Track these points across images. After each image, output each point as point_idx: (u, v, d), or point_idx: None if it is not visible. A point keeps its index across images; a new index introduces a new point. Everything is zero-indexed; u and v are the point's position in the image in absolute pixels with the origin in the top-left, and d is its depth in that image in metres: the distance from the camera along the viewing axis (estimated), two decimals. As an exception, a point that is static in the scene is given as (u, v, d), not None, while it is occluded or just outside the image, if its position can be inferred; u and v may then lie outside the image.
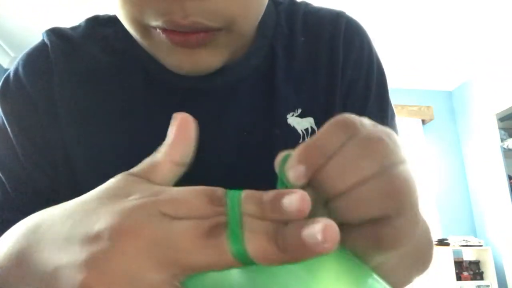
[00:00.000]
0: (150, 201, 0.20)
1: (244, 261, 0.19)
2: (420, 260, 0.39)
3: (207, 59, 0.34)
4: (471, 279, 3.21)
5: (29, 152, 0.39)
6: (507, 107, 3.30)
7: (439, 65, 3.51)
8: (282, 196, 0.19)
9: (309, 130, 0.41)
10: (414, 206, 0.22)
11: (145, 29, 0.33)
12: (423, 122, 3.75)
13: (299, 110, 0.41)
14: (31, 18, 2.87)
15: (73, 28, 0.44)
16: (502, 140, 3.36)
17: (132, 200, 0.21)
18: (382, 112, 0.44)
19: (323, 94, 0.42)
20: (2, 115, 0.40)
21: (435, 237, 2.95)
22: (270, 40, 0.43)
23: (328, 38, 0.43)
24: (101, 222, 0.20)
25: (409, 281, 0.39)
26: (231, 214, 0.20)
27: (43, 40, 0.43)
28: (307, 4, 0.47)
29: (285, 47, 0.43)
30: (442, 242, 3.23)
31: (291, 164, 0.21)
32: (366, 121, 0.23)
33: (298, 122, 0.41)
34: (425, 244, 0.39)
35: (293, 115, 0.41)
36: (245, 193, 0.21)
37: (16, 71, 0.41)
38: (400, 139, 0.23)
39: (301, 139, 0.40)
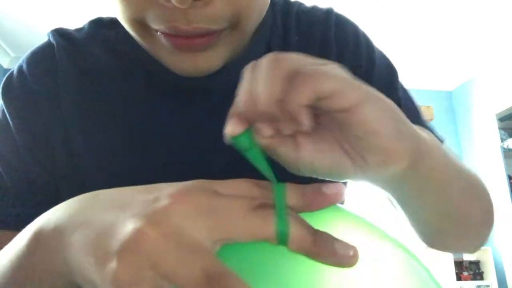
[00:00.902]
0: (205, 182, 0.24)
1: (281, 241, 0.22)
2: (464, 190, 0.38)
3: (208, 61, 0.35)
4: (471, 279, 3.21)
5: (29, 146, 0.40)
6: (507, 107, 3.30)
7: (439, 65, 3.51)
8: (321, 186, 0.23)
9: None
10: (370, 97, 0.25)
11: (146, 31, 0.33)
12: (423, 122, 3.75)
13: None
14: (31, 18, 2.87)
15: (77, 30, 0.45)
16: (502, 140, 3.36)
17: (189, 181, 0.24)
18: (390, 96, 0.45)
19: None
20: (5, 110, 0.41)
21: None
22: (267, 40, 0.44)
23: (319, 35, 0.45)
24: (162, 190, 0.23)
25: (468, 217, 0.39)
26: (277, 199, 0.23)
27: (48, 40, 0.44)
28: (300, 4, 0.48)
29: (280, 47, 0.44)
30: (442, 242, 3.23)
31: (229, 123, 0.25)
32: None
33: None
34: (456, 174, 0.36)
35: None
36: (289, 185, 0.24)
37: (20, 68, 0.42)
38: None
39: None
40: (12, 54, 3.33)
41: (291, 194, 0.24)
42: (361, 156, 0.25)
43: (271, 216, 0.22)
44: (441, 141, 0.46)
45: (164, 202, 0.22)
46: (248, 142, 0.25)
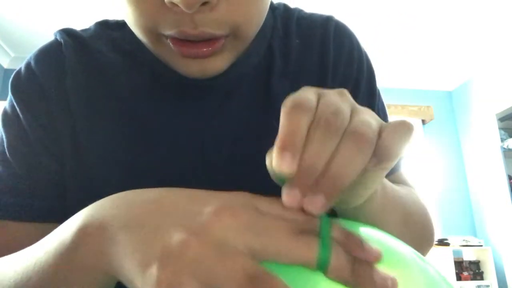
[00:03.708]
0: (249, 197, 0.25)
1: (321, 268, 0.22)
2: (413, 226, 0.43)
3: (214, 66, 0.37)
4: (471, 279, 3.21)
5: (40, 137, 0.41)
6: (507, 107, 3.30)
7: (439, 65, 3.51)
8: (362, 239, 0.23)
9: None
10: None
11: (157, 38, 0.36)
12: (423, 122, 3.75)
13: None
14: (31, 18, 2.87)
15: (84, 30, 0.47)
16: (502, 140, 3.36)
17: (232, 194, 0.25)
18: (371, 105, 0.49)
19: None
20: (15, 104, 0.42)
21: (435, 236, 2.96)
22: (268, 41, 0.46)
23: (319, 40, 0.47)
24: (206, 203, 0.24)
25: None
26: (323, 227, 0.24)
27: (55, 38, 0.46)
28: (300, 10, 0.51)
29: (281, 48, 0.47)
30: (442, 242, 3.23)
31: (276, 163, 0.24)
32: (308, 93, 0.27)
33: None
34: (411, 205, 0.44)
35: None
36: (334, 221, 0.25)
37: (28, 64, 0.44)
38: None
39: None
40: (12, 54, 3.33)
41: (336, 228, 0.24)
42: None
43: (314, 241, 0.23)
44: (401, 162, 0.52)
45: (207, 217, 0.23)
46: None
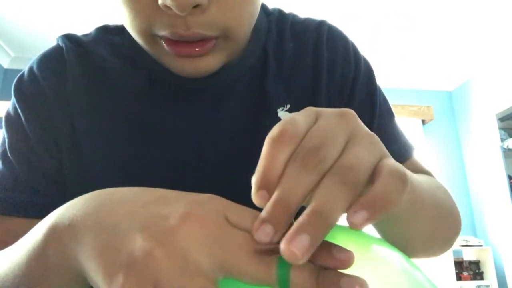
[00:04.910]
0: (220, 204, 0.24)
1: (283, 285, 0.22)
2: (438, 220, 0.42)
3: (207, 64, 0.39)
4: (471, 279, 3.21)
5: (40, 136, 0.43)
6: (507, 107, 3.30)
7: (439, 65, 3.51)
8: (332, 249, 0.22)
9: None
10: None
11: (151, 38, 0.38)
12: (423, 122, 3.75)
13: (288, 106, 0.46)
14: (31, 19, 2.87)
15: (84, 35, 0.49)
16: (502, 140, 3.36)
17: (204, 198, 0.24)
18: (372, 102, 0.50)
19: (309, 91, 0.47)
20: (16, 105, 0.44)
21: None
22: (263, 44, 0.48)
23: (312, 44, 0.49)
24: (174, 206, 0.23)
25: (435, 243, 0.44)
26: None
27: (57, 44, 0.48)
28: (294, 16, 0.53)
29: (275, 51, 0.48)
30: (442, 242, 3.23)
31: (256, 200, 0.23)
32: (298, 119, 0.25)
33: (287, 116, 0.45)
34: (440, 196, 0.43)
35: (283, 110, 0.46)
36: None
37: (31, 69, 0.46)
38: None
39: None
40: (12, 54, 3.33)
41: None
42: None
43: (273, 261, 0.22)
44: (412, 149, 0.51)
45: (174, 222, 0.22)
46: None
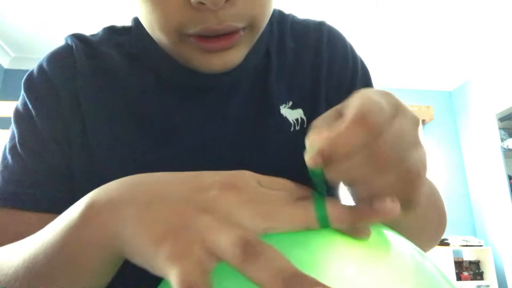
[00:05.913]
0: (250, 174, 0.27)
1: (323, 223, 0.25)
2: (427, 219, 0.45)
3: (233, 57, 0.40)
4: (471, 279, 3.21)
5: (51, 131, 0.43)
6: (507, 107, 3.30)
7: (439, 65, 3.52)
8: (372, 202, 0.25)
9: (299, 119, 0.48)
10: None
11: (180, 38, 0.38)
12: (423, 122, 3.75)
13: (290, 103, 0.48)
14: (31, 19, 2.87)
15: (92, 35, 0.50)
16: (502, 140, 3.36)
17: (234, 171, 0.27)
18: None
19: (310, 89, 0.49)
20: (27, 100, 0.45)
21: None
22: (265, 45, 0.49)
23: (313, 43, 0.51)
24: (210, 179, 0.26)
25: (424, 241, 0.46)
26: (316, 193, 0.27)
27: (66, 43, 0.48)
28: (293, 16, 0.55)
29: (277, 51, 0.50)
30: (442, 242, 3.23)
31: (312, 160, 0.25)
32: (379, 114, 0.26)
33: (290, 113, 0.47)
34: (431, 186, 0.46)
35: (285, 107, 0.47)
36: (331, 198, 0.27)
37: (40, 66, 0.46)
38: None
39: (292, 128, 0.47)
40: (12, 54, 3.33)
41: (332, 203, 0.26)
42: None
43: (310, 203, 0.25)
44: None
45: (214, 192, 0.25)
46: (321, 173, 0.26)
